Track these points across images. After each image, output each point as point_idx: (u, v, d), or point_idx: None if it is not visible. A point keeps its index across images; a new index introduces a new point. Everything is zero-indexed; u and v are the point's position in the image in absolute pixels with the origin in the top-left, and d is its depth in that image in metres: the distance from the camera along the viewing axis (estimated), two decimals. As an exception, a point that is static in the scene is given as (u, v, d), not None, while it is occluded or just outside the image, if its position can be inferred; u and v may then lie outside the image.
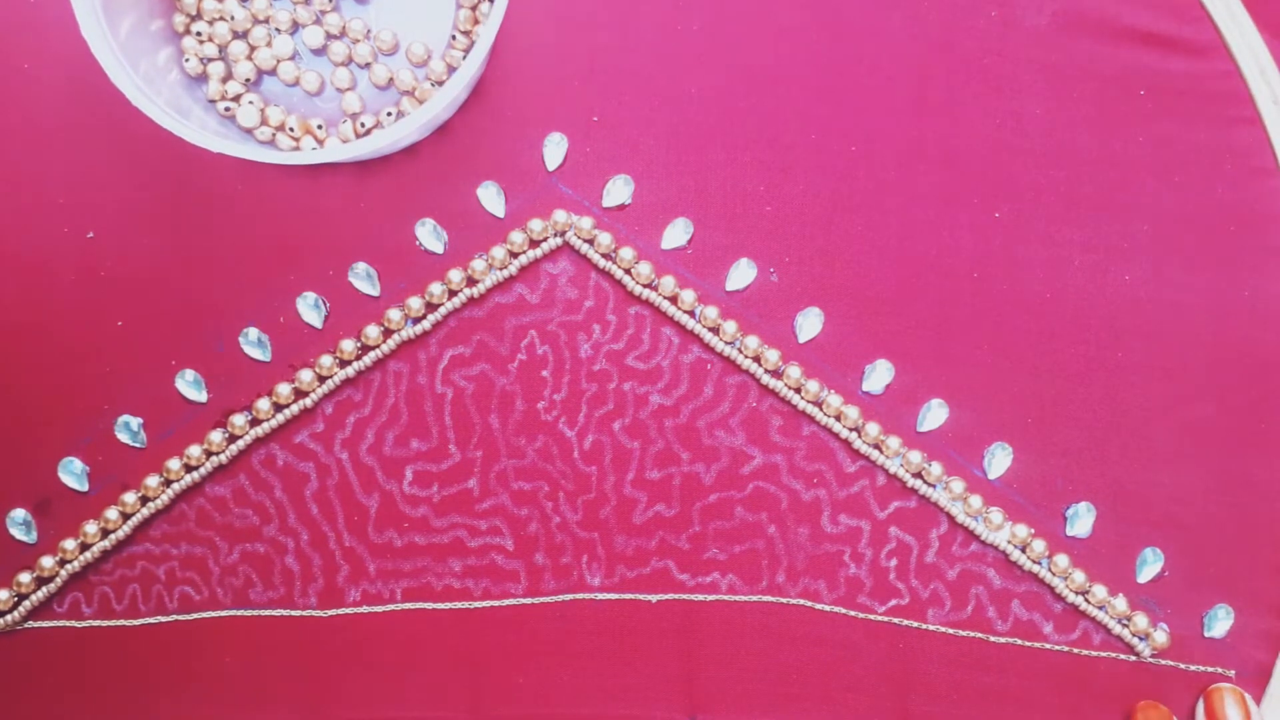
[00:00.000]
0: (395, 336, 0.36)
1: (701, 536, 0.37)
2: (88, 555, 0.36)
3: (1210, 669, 0.36)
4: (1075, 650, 0.37)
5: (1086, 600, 0.37)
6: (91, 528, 0.36)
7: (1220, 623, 0.36)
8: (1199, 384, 0.36)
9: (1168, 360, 0.36)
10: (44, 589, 0.36)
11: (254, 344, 0.36)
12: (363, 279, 0.36)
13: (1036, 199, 0.36)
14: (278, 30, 0.35)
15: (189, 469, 0.36)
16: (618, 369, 0.37)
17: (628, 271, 0.36)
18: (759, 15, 0.36)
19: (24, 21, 0.35)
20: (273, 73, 0.36)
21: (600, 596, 0.37)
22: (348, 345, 0.36)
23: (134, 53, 0.33)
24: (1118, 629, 0.37)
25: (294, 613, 0.37)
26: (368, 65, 0.36)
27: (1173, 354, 0.36)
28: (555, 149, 0.36)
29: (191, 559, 0.37)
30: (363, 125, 0.35)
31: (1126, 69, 0.36)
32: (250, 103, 0.35)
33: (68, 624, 0.37)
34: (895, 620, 0.37)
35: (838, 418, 0.37)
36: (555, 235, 0.36)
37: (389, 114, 0.36)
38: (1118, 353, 0.36)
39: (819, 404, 0.37)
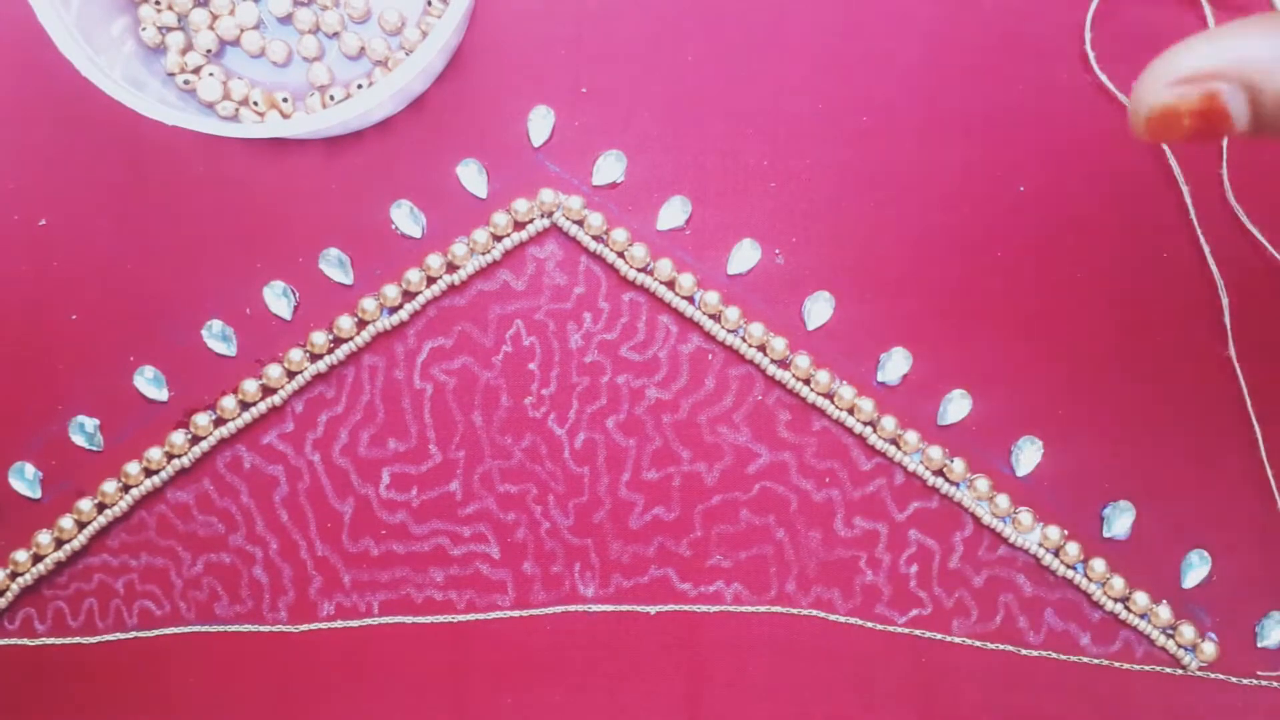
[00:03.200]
0: (370, 328, 0.34)
1: (704, 542, 0.34)
2: (40, 567, 0.34)
3: (1265, 683, 0.33)
4: (1115, 664, 0.34)
5: (1127, 609, 0.33)
6: (44, 538, 0.34)
7: (1275, 631, 0.33)
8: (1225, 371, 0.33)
9: (1204, 351, 0.33)
10: (-7, 604, 0.34)
11: (218, 337, 0.34)
12: (334, 266, 0.34)
13: (1064, 170, 0.33)
14: (241, -3, 0.33)
15: (149, 473, 0.34)
16: (611, 361, 0.34)
17: (621, 255, 0.34)
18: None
19: (-31, -7, 0.33)
20: (236, 43, 0.33)
21: (594, 608, 0.34)
22: (319, 338, 0.34)
23: (86, 21, 0.31)
24: (1162, 640, 0.33)
25: (263, 628, 0.34)
26: (337, 34, 0.33)
27: (1207, 346, 0.33)
28: (541, 123, 0.34)
29: (152, 571, 0.34)
30: (331, 98, 0.33)
31: (1162, 35, 0.33)
32: (211, 75, 0.33)
33: (19, 642, 0.34)
34: (916, 632, 0.34)
35: (851, 411, 0.34)
36: (542, 216, 0.34)
37: (359, 86, 0.33)
38: (1152, 346, 0.33)
39: (830, 396, 0.34)
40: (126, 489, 0.34)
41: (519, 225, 0.34)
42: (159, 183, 0.34)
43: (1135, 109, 0.22)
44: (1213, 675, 0.33)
